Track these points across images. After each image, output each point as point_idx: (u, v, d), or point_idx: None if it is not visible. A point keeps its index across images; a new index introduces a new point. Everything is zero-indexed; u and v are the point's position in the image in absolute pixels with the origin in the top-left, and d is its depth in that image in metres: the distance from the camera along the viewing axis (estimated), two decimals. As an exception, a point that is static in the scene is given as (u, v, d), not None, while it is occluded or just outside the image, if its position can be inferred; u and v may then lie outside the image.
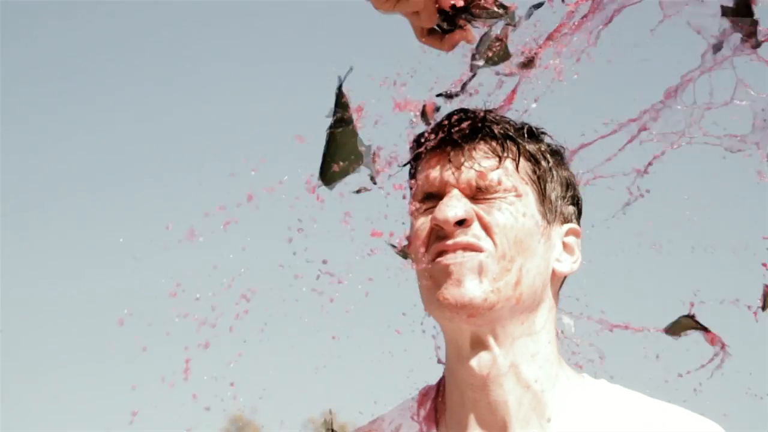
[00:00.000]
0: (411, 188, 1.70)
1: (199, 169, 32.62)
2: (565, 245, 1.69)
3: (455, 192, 1.62)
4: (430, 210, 1.64)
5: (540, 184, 1.67)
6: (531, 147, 1.68)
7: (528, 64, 1.74)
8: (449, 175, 1.63)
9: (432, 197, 1.64)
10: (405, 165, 1.70)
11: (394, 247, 1.74)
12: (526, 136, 1.69)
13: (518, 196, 1.63)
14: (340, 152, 1.63)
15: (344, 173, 1.64)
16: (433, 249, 1.61)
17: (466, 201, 1.61)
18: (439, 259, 1.60)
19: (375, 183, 1.65)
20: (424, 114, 1.67)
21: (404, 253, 1.76)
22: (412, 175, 1.70)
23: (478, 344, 1.62)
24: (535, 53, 1.73)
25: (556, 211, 1.68)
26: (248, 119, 33.04)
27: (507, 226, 1.61)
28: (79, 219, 31.47)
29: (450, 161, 1.63)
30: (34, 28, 32.52)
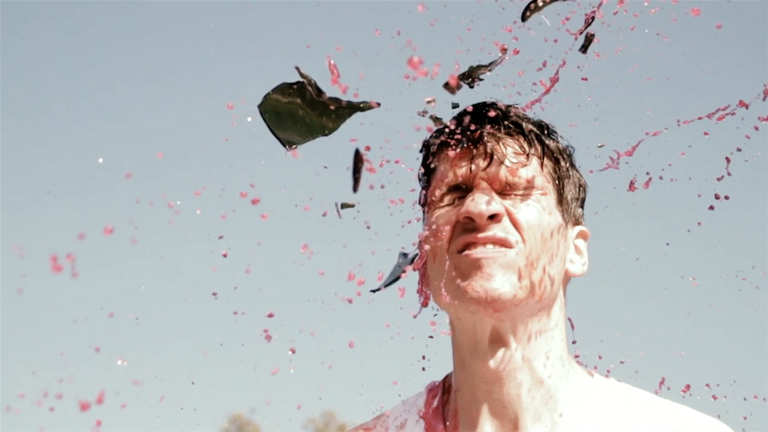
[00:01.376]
0: (424, 178, 1.70)
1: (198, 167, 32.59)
2: (575, 247, 1.71)
3: (486, 186, 1.62)
4: (455, 202, 1.64)
5: (559, 183, 1.68)
6: (552, 146, 1.70)
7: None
8: (479, 168, 1.63)
9: (458, 189, 1.65)
10: (424, 155, 1.70)
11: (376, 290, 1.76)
12: (546, 133, 1.70)
13: (544, 194, 1.64)
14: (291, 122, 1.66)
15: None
16: (460, 240, 1.61)
17: (496, 196, 1.62)
18: (468, 252, 1.60)
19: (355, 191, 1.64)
20: (447, 85, 1.66)
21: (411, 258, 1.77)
22: (426, 166, 1.70)
23: (497, 338, 1.62)
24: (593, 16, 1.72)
25: (570, 212, 1.69)
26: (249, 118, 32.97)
27: (535, 223, 1.61)
28: (78, 218, 31.43)
29: (483, 155, 1.63)
30: (33, 28, 32.52)
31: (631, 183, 1.82)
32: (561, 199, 1.67)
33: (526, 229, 1.60)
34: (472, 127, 1.64)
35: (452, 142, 1.65)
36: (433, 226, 1.63)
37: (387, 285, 1.71)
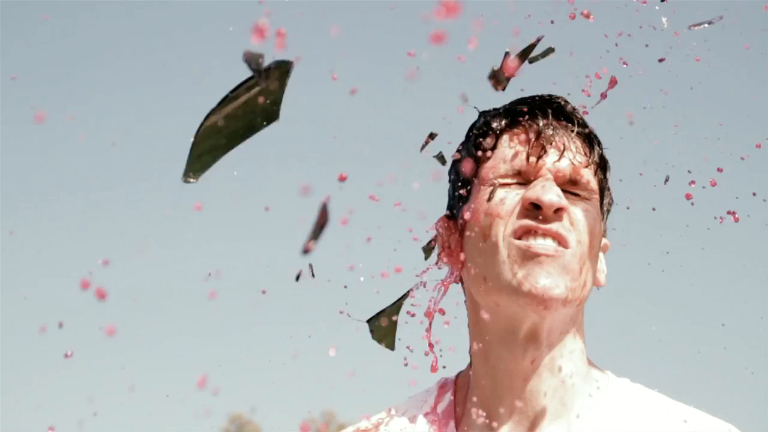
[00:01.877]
0: (473, 151, 1.67)
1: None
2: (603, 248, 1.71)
3: (551, 177, 1.61)
4: (518, 186, 1.62)
5: (602, 194, 1.68)
6: (603, 155, 1.70)
7: None
8: (549, 159, 1.62)
9: (521, 175, 1.63)
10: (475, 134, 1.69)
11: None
12: (598, 142, 1.70)
13: (597, 199, 1.64)
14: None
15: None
16: (521, 226, 1.59)
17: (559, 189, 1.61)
18: (528, 244, 1.58)
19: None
20: (497, 74, 1.67)
21: (428, 250, 1.74)
22: (478, 140, 1.67)
23: (533, 335, 1.60)
24: None
25: (604, 223, 1.70)
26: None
27: (588, 227, 1.61)
28: (79, 218, 31.45)
29: (554, 146, 1.61)
30: (33, 28, 32.51)
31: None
32: (602, 209, 1.67)
33: (581, 231, 1.60)
34: (542, 121, 1.64)
35: (522, 125, 1.64)
36: (490, 204, 1.61)
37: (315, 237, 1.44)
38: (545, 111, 1.64)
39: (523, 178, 1.62)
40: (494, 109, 1.70)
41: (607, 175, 1.70)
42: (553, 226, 1.57)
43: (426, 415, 1.68)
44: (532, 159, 1.61)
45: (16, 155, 32.92)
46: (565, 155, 1.62)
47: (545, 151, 1.62)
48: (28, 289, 31.77)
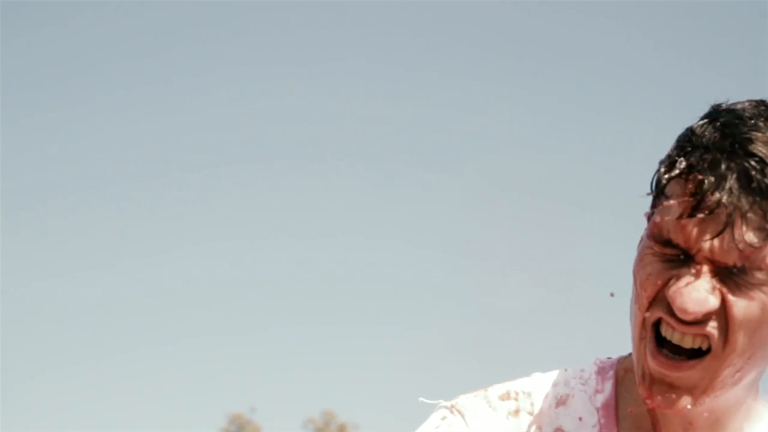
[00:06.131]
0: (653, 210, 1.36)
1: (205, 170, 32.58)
2: None
3: (707, 267, 1.30)
4: (668, 259, 1.33)
5: None
6: None
7: None
8: (704, 239, 1.29)
9: (673, 246, 1.32)
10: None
11: None
12: None
13: None
14: None
15: None
16: (657, 311, 1.33)
17: (714, 284, 1.30)
18: (658, 352, 1.32)
19: None
20: None
21: None
22: (659, 191, 1.34)
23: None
24: None
25: None
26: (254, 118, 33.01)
27: (753, 323, 1.32)
28: (79, 218, 31.44)
29: (715, 222, 1.29)
30: (34, 29, 32.51)
31: None
32: None
33: (737, 330, 1.31)
34: (709, 178, 1.29)
35: (681, 183, 1.30)
36: (640, 274, 1.35)
37: None
38: (717, 161, 1.29)
39: (681, 253, 1.32)
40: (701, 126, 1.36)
41: None
42: (693, 325, 1.31)
43: (586, 404, 1.45)
44: (684, 230, 1.31)
45: (17, 155, 32.92)
46: (727, 234, 1.28)
47: (699, 225, 1.29)
48: (29, 289, 31.78)
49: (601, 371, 1.46)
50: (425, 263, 33.68)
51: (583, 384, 1.46)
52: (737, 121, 1.31)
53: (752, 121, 1.31)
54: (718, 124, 1.32)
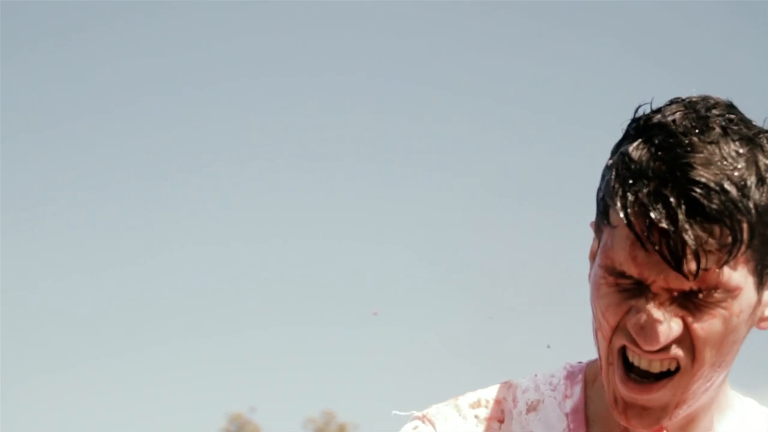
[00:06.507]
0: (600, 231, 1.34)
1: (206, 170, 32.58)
2: None
3: (663, 299, 1.28)
4: (624, 289, 1.30)
5: (764, 250, 1.30)
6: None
7: None
8: (658, 271, 1.26)
9: (627, 277, 1.29)
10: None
11: None
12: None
13: (739, 292, 1.29)
14: None
15: None
16: (621, 337, 1.31)
17: (673, 311, 1.28)
18: (626, 377, 1.31)
19: None
20: None
21: None
22: (603, 213, 1.32)
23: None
24: None
25: (763, 291, 1.33)
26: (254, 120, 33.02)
27: (717, 339, 1.30)
28: (79, 219, 31.45)
29: (667, 252, 1.25)
30: (34, 29, 32.53)
31: None
32: (763, 268, 1.30)
33: (703, 348, 1.29)
34: (658, 213, 1.24)
35: (627, 211, 1.27)
36: (599, 305, 1.32)
37: None
38: (662, 193, 1.25)
39: (636, 283, 1.29)
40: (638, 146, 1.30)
41: None
42: (659, 353, 1.30)
43: (554, 409, 1.44)
44: (636, 262, 1.28)
45: (17, 155, 32.95)
46: (685, 263, 1.25)
47: (652, 257, 1.26)
48: (29, 289, 31.80)
49: (570, 376, 1.46)
50: (426, 263, 33.69)
51: (553, 389, 1.45)
52: (672, 141, 1.27)
53: (687, 140, 1.27)
54: (653, 148, 1.28)
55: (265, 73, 33.01)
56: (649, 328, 1.27)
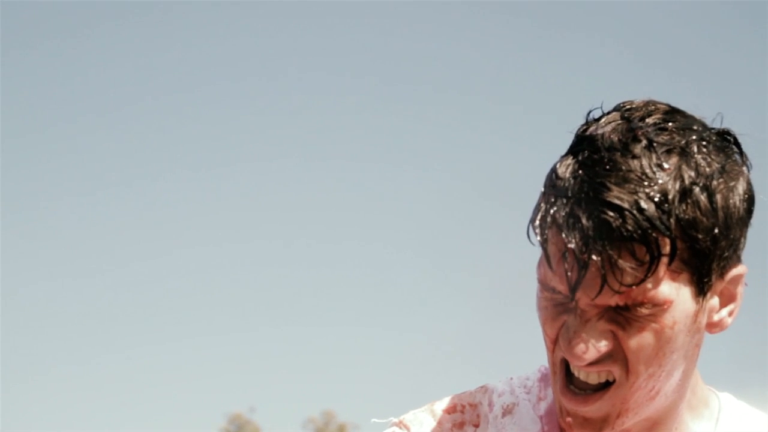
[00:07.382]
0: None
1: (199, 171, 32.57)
2: (723, 295, 1.36)
3: (590, 315, 1.29)
4: (559, 303, 1.31)
5: (700, 259, 1.29)
6: (696, 214, 1.28)
7: None
8: (581, 289, 1.27)
9: (558, 292, 1.31)
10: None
11: None
12: (696, 189, 1.27)
13: (669, 304, 1.29)
14: None
15: None
16: (559, 350, 1.32)
17: (602, 326, 1.30)
18: (567, 389, 1.32)
19: None
20: None
21: None
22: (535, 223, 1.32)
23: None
24: None
25: (721, 271, 1.33)
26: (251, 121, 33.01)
27: (651, 352, 1.30)
28: (79, 219, 31.46)
29: (586, 276, 1.26)
30: (34, 29, 32.53)
31: None
32: (702, 275, 1.30)
33: (636, 361, 1.30)
34: (574, 238, 1.26)
35: (546, 233, 1.29)
36: (540, 317, 1.35)
37: None
38: (576, 215, 1.26)
39: (565, 297, 1.31)
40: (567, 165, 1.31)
41: (715, 229, 1.29)
42: (591, 366, 1.31)
43: (529, 412, 1.45)
44: (562, 278, 1.29)
45: (17, 155, 32.95)
46: (608, 283, 1.26)
47: (574, 271, 1.27)
48: (29, 289, 31.80)
49: (543, 378, 1.46)
50: (426, 264, 33.70)
51: (527, 392, 1.46)
52: (595, 158, 1.28)
53: (608, 156, 1.27)
54: (576, 165, 1.28)
55: (265, 73, 33.02)
56: (576, 345, 1.29)
